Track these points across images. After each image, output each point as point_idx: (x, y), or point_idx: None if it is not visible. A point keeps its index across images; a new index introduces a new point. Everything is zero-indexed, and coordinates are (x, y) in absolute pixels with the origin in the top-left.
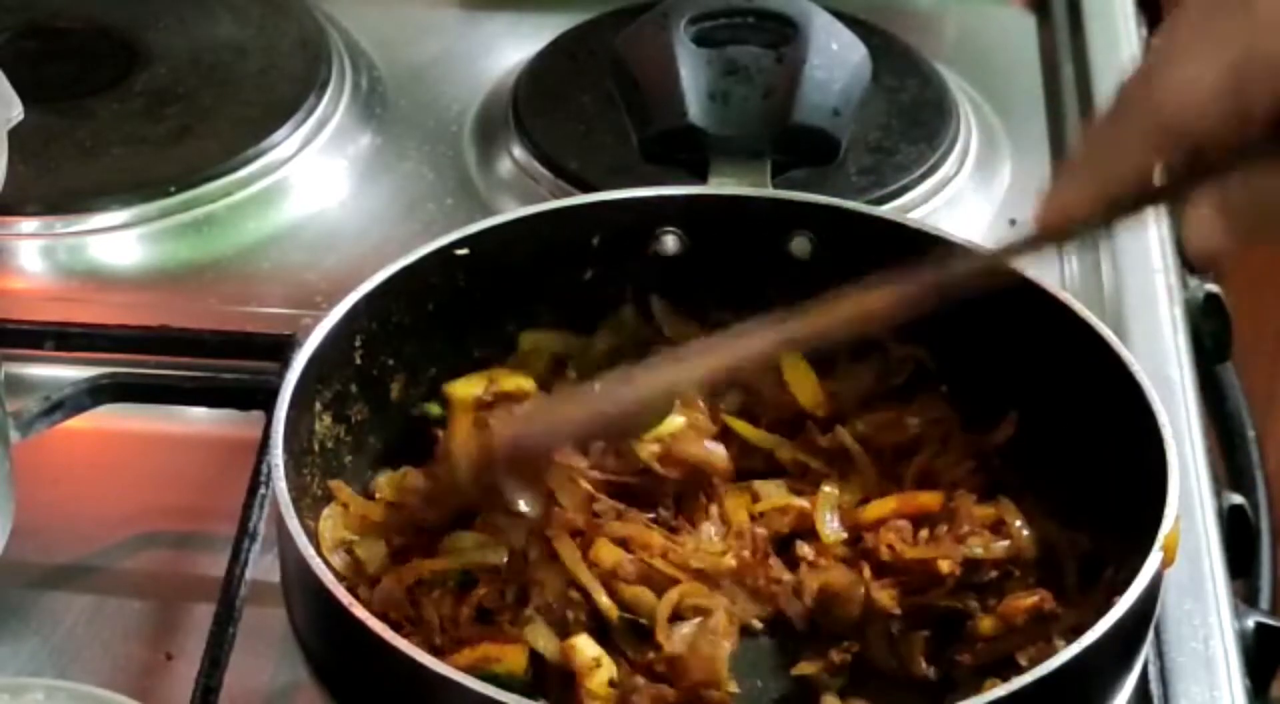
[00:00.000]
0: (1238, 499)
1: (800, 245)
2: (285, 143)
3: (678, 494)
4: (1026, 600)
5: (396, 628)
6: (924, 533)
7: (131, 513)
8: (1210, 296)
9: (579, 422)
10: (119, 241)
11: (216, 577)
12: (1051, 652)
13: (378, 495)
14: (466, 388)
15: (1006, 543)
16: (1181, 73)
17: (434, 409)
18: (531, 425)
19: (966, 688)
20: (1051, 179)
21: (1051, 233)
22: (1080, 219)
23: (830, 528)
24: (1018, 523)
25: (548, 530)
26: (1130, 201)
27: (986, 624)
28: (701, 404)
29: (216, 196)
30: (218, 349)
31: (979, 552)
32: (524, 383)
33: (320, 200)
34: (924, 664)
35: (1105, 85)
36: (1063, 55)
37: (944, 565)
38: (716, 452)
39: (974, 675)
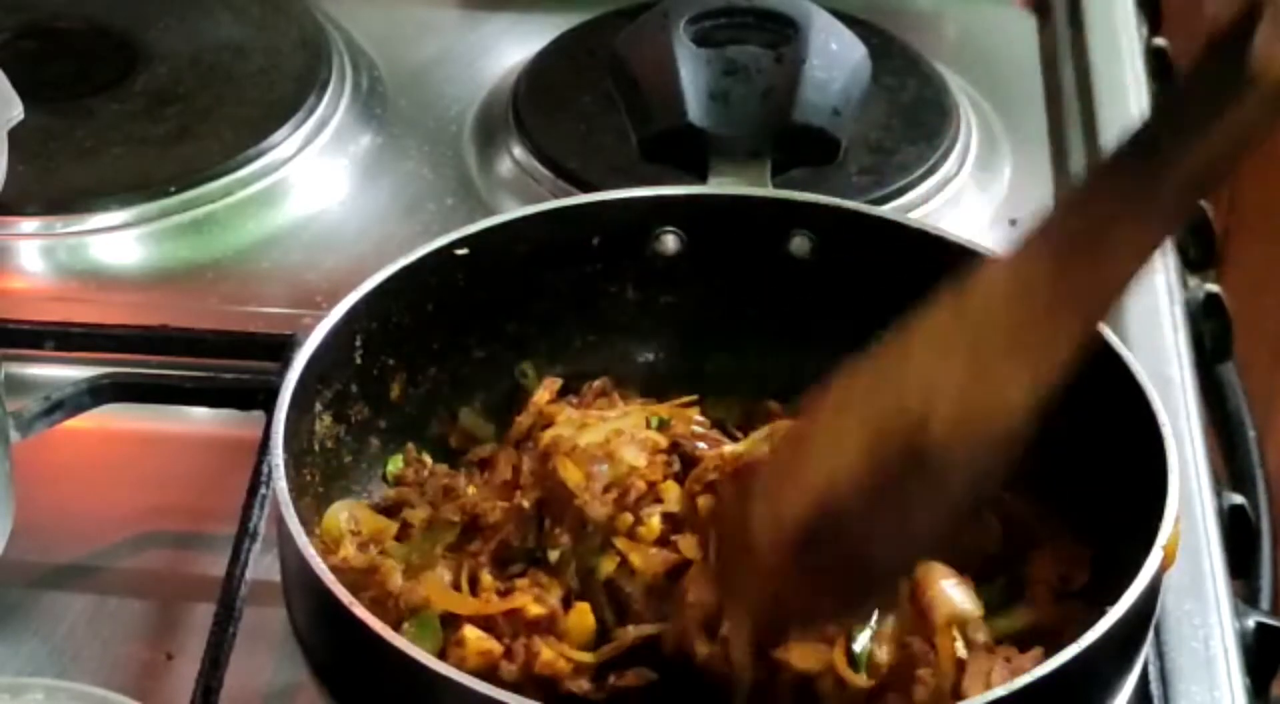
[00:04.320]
0: (1238, 499)
1: (800, 245)
2: (285, 143)
3: None
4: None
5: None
6: None
7: (131, 513)
8: (1210, 296)
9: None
10: (119, 241)
11: (216, 577)
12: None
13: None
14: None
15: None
16: None
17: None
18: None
19: None
20: None
21: None
22: None
23: None
24: None
25: None
26: None
27: None
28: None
29: (216, 196)
30: (218, 349)
31: None
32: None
33: (320, 200)
34: None
35: (1105, 85)
36: (1063, 55)
37: None
38: None
39: None
